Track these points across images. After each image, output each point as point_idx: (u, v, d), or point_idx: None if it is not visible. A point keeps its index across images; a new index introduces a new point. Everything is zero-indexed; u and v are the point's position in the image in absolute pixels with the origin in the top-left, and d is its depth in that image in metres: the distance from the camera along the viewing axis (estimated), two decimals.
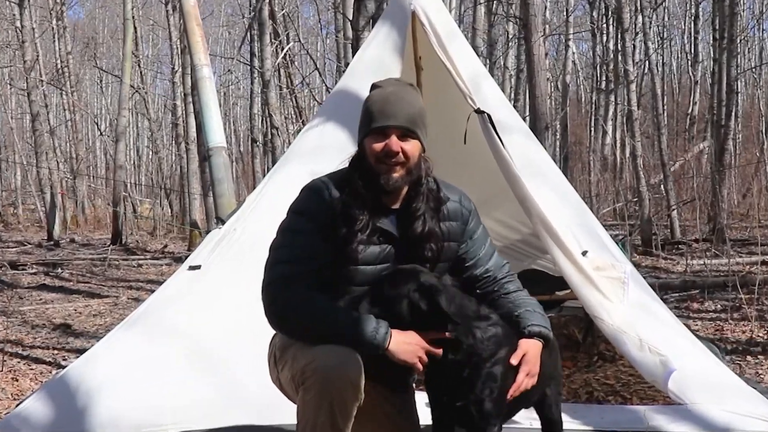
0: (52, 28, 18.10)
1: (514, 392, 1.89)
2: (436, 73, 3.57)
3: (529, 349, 1.94)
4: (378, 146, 1.88)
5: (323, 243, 1.87)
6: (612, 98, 16.44)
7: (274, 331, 1.99)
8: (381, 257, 1.91)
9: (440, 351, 1.83)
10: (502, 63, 14.40)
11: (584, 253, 3.07)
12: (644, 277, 6.98)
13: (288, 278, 1.85)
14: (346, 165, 1.99)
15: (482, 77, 3.52)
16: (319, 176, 2.01)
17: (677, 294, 6.08)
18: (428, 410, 1.94)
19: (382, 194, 1.91)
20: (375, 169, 1.89)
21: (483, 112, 3.20)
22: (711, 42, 15.56)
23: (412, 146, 1.90)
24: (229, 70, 20.38)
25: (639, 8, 12.38)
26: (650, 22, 13.59)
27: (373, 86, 1.97)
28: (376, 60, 3.53)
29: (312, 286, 1.85)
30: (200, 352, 2.82)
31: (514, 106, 13.39)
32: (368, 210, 1.89)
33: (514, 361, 1.90)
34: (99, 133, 25.61)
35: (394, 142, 1.87)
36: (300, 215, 1.91)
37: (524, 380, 1.91)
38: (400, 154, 1.88)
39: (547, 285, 4.30)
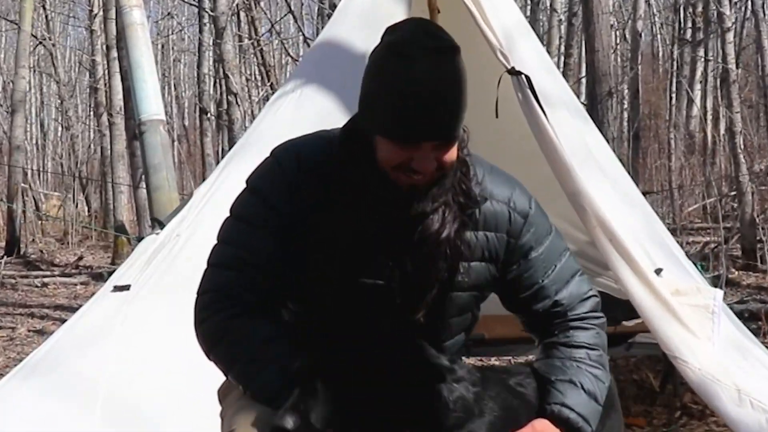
0: None
1: None
2: (457, 18, 3.57)
3: None
4: (398, 157, 1.74)
5: (282, 247, 1.85)
6: (701, 53, 16.45)
7: None
8: (378, 274, 1.85)
9: None
10: (548, 4, 14.44)
11: (658, 272, 3.09)
12: (747, 301, 7.03)
13: (226, 290, 1.87)
14: (330, 128, 1.96)
15: (519, 27, 3.54)
16: (295, 139, 1.96)
17: None
18: None
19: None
20: (388, 173, 1.78)
21: (519, 73, 3.22)
22: None
23: (451, 153, 1.76)
24: (169, 14, 20.41)
25: None
26: None
27: (394, 48, 1.73)
28: (374, 0, 3.53)
29: (259, 310, 1.85)
30: (130, 412, 2.82)
31: (566, 64, 13.64)
32: (369, 205, 1.81)
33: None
34: None
35: (427, 158, 1.73)
36: (258, 198, 1.90)
37: None
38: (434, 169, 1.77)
39: (610, 312, 4.29)
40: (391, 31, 1.78)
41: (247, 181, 1.96)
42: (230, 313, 1.85)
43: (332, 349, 1.79)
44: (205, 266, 1.95)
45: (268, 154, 1.96)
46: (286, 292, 1.90)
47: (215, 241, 1.95)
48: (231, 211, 1.95)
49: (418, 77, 1.68)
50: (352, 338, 1.80)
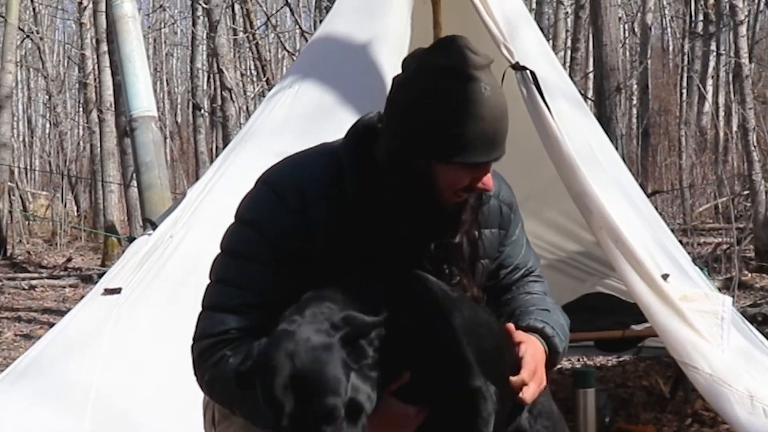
0: None
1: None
2: (458, 10, 3.59)
3: (528, 343, 1.92)
4: (465, 180, 1.80)
5: (286, 279, 1.83)
6: (713, 47, 16.45)
7: None
8: None
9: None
10: None
11: (665, 277, 3.11)
12: (760, 304, 7.04)
13: (223, 336, 1.83)
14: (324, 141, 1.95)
15: (522, 20, 3.56)
16: (287, 162, 1.93)
17: None
18: None
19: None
20: (442, 197, 1.82)
21: (524, 68, 3.23)
22: None
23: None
24: (161, 6, 20.41)
25: None
26: None
27: (453, 71, 1.75)
28: None
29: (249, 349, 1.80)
30: (120, 419, 2.82)
31: (573, 58, 13.65)
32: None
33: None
34: None
35: (489, 176, 1.83)
36: (255, 233, 1.85)
37: (532, 387, 1.87)
38: None
39: (619, 315, 4.30)
40: (432, 53, 1.79)
41: (238, 213, 1.91)
42: (219, 356, 1.82)
43: None
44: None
45: (258, 183, 1.90)
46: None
47: (208, 281, 1.90)
48: (223, 247, 1.91)
49: (486, 97, 1.74)
50: None
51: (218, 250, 1.93)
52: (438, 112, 1.74)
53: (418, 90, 1.76)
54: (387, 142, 1.83)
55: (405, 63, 1.83)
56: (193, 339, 1.89)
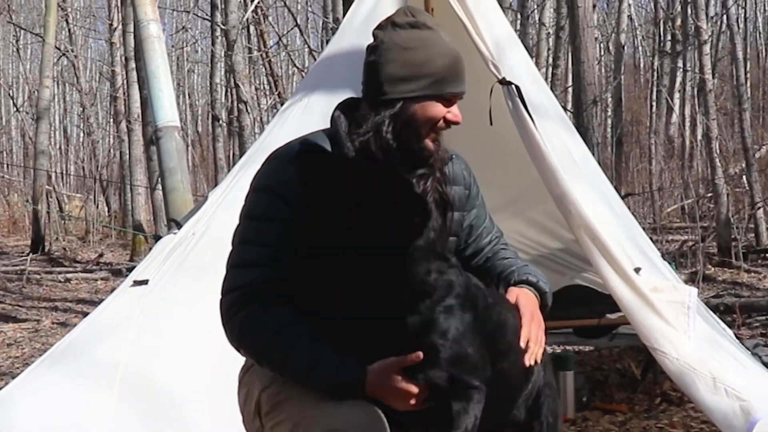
0: None
1: (525, 342, 1.94)
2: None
3: (520, 294, 2.01)
4: (441, 112, 1.92)
5: (299, 232, 1.84)
6: (680, 64, 16.45)
7: (244, 364, 2.00)
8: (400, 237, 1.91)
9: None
10: (537, 18, 14.42)
11: (637, 271, 3.11)
12: (722, 296, 7.04)
13: (248, 287, 1.84)
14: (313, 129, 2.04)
15: (509, 40, 3.55)
16: (290, 141, 1.98)
17: (764, 317, 6.09)
18: None
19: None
20: (422, 137, 1.92)
21: (510, 83, 3.23)
22: None
23: None
24: (183, 28, 20.40)
25: None
26: None
27: (417, 24, 1.92)
28: (377, 14, 3.53)
29: (277, 301, 1.82)
30: (148, 397, 2.83)
31: (554, 74, 13.66)
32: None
33: (511, 297, 2.00)
34: (15, 108, 25.61)
35: (457, 109, 1.94)
36: (268, 194, 1.88)
37: (533, 328, 1.95)
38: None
39: (595, 305, 4.30)
40: (395, 17, 1.94)
41: (252, 185, 1.94)
42: (250, 309, 1.82)
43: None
44: (218, 263, 1.93)
45: (266, 161, 1.95)
46: (302, 274, 1.85)
47: (231, 246, 1.91)
48: (242, 214, 1.93)
49: (446, 42, 1.92)
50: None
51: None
52: (409, 57, 1.88)
53: (389, 44, 1.90)
54: (367, 97, 1.94)
55: (373, 33, 1.97)
56: (222, 294, 1.88)
